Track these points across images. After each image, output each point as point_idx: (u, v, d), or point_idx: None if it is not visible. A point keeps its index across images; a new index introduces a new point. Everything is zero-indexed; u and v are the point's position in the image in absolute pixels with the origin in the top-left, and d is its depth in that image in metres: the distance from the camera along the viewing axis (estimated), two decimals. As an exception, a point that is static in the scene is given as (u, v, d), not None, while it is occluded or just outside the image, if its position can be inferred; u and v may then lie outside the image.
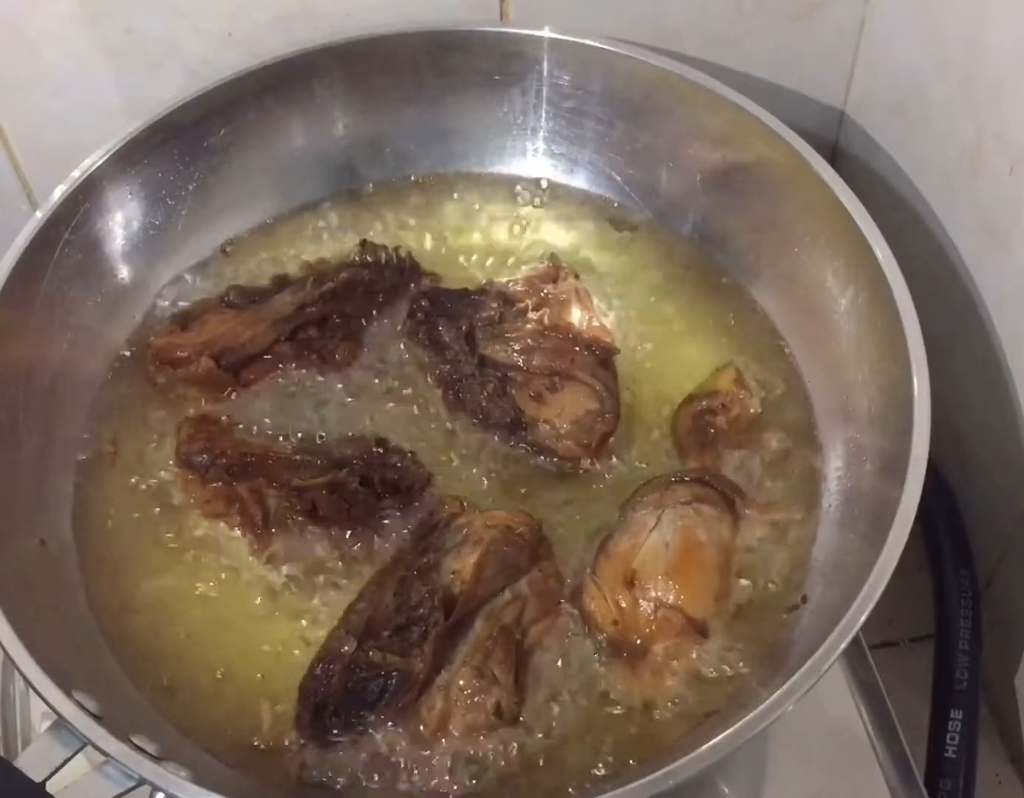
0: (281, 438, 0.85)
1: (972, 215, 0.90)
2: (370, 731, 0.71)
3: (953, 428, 0.96)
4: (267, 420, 0.87)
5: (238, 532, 0.81)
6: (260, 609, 0.79)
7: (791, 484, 0.83)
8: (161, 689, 0.75)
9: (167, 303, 0.94)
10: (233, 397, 0.88)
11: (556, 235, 0.99)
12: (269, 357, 0.89)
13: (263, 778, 0.72)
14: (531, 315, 0.89)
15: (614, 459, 0.85)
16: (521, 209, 1.01)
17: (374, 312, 0.92)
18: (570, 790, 0.71)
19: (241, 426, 0.86)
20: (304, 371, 0.89)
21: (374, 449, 0.83)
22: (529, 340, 0.87)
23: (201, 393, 0.88)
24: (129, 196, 0.92)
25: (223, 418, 0.87)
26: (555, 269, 0.92)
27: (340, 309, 0.91)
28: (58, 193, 0.86)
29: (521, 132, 1.01)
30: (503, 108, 1.00)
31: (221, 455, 0.82)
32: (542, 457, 0.85)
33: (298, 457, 0.82)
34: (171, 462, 0.85)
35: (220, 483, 0.82)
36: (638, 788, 0.62)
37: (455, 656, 0.73)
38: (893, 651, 1.02)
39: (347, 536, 0.80)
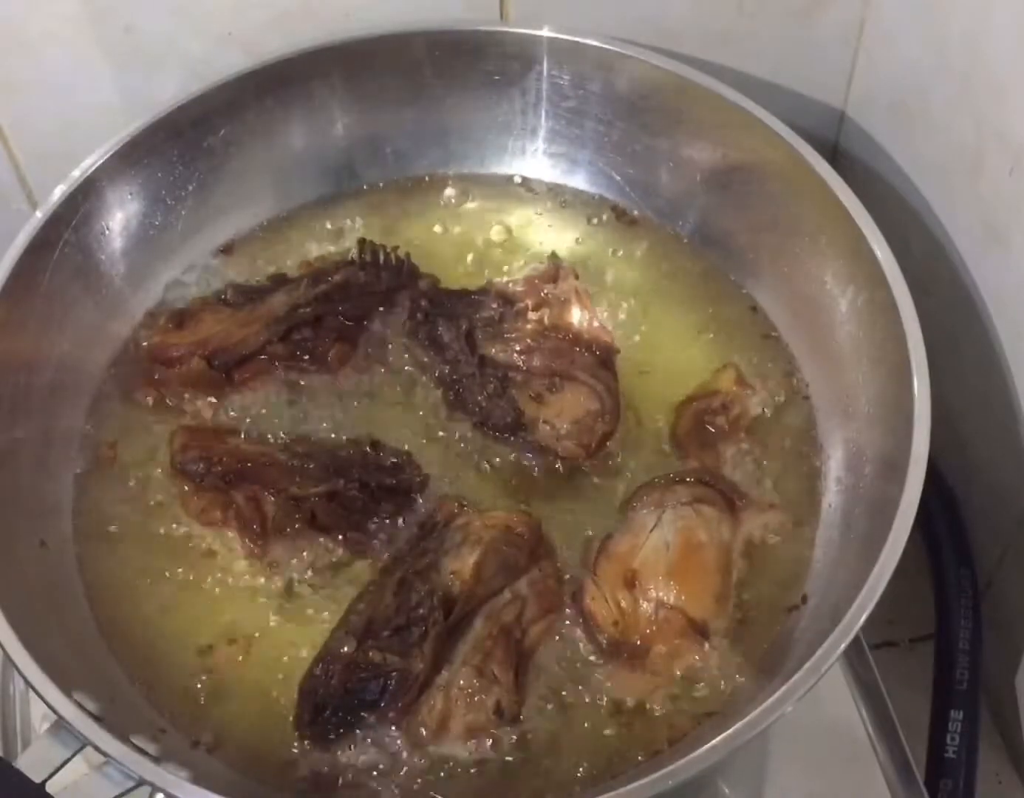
0: (274, 440, 0.85)
1: (972, 214, 0.89)
2: (370, 731, 0.71)
3: (953, 428, 0.96)
4: (260, 421, 0.87)
5: (236, 538, 0.81)
6: (260, 612, 0.79)
7: (791, 484, 0.83)
8: (161, 689, 0.75)
9: (167, 303, 0.94)
10: (226, 398, 0.88)
11: (556, 235, 0.99)
12: (262, 358, 0.88)
13: (263, 778, 0.72)
14: (531, 315, 0.88)
15: (614, 459, 0.85)
16: (521, 209, 1.01)
17: (371, 313, 0.92)
18: (571, 790, 0.71)
19: (234, 423, 0.86)
20: (297, 372, 0.89)
21: (368, 450, 0.83)
22: (529, 340, 0.87)
23: (194, 393, 0.87)
24: (129, 196, 0.92)
25: (216, 420, 0.86)
26: (555, 269, 0.92)
27: (335, 310, 0.90)
28: (58, 193, 0.86)
29: (521, 132, 1.01)
30: (503, 108, 1.00)
31: (216, 462, 0.81)
32: (542, 457, 0.84)
33: (294, 463, 0.81)
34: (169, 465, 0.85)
35: (216, 491, 0.81)
36: (638, 788, 0.62)
37: (455, 656, 0.73)
38: (893, 651, 1.02)
39: (346, 540, 0.80)
